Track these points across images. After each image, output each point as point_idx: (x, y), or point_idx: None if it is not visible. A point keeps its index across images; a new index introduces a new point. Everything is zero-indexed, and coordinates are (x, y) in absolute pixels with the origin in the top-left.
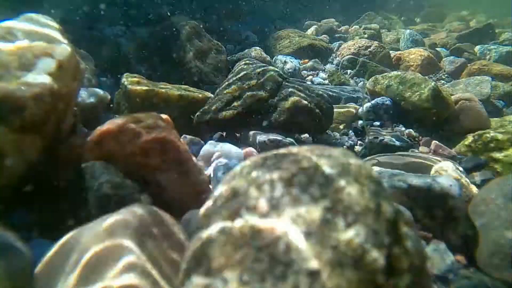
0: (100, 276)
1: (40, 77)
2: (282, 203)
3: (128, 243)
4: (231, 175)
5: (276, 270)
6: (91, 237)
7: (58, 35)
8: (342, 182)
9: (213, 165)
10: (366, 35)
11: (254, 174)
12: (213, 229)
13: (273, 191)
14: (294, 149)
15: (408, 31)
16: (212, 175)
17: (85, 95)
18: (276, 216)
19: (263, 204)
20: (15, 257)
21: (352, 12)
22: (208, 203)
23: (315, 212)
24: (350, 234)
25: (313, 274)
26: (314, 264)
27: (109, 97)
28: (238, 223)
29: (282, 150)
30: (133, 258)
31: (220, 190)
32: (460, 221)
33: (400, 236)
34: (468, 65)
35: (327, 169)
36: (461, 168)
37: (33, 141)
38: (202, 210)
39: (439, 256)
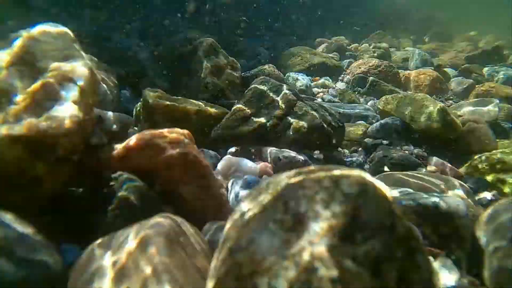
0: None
1: (67, 109)
2: (306, 218)
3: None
4: (257, 190)
5: (301, 277)
6: (125, 243)
7: (75, 49)
8: (360, 201)
9: (231, 179)
10: (375, 54)
11: (278, 188)
12: (243, 240)
13: (298, 207)
14: (316, 169)
15: (417, 51)
16: (230, 189)
17: (109, 122)
18: (300, 229)
19: (288, 219)
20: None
21: (362, 30)
22: (235, 217)
23: (337, 227)
24: (367, 247)
25: (335, 282)
26: (334, 272)
27: (132, 121)
28: (265, 237)
29: (304, 169)
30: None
31: (247, 205)
32: (466, 239)
33: (411, 251)
34: (476, 86)
35: (346, 188)
36: (468, 188)
37: (66, 166)
38: (229, 223)
39: (446, 273)
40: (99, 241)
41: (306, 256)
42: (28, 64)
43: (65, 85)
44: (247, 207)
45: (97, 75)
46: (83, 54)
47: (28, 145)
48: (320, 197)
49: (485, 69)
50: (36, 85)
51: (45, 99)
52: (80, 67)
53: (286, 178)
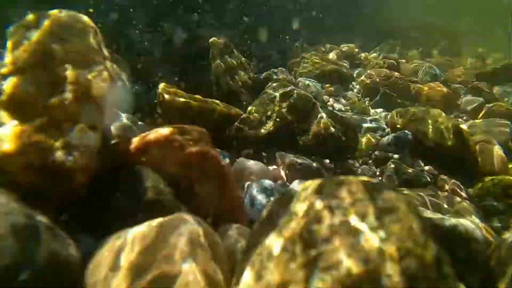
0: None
1: (86, 138)
2: (340, 230)
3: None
4: (287, 197)
5: None
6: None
7: (96, 51)
8: (393, 216)
9: (247, 183)
10: (386, 65)
11: (313, 200)
12: (270, 246)
13: (333, 218)
14: (350, 179)
15: (427, 64)
16: (245, 192)
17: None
18: (336, 242)
19: (324, 230)
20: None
21: (370, 38)
22: (262, 224)
23: (373, 242)
24: (403, 265)
25: None
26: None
27: (132, 126)
28: (298, 247)
29: (336, 179)
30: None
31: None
32: (481, 265)
33: (443, 274)
34: (487, 105)
35: (380, 201)
36: (481, 213)
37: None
38: (256, 227)
39: None
40: (117, 234)
41: (343, 270)
42: (46, 68)
43: (84, 105)
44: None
45: (116, 79)
46: (105, 54)
47: (41, 171)
48: (355, 209)
49: (496, 88)
50: (54, 101)
51: (63, 120)
52: (100, 82)
53: (318, 187)
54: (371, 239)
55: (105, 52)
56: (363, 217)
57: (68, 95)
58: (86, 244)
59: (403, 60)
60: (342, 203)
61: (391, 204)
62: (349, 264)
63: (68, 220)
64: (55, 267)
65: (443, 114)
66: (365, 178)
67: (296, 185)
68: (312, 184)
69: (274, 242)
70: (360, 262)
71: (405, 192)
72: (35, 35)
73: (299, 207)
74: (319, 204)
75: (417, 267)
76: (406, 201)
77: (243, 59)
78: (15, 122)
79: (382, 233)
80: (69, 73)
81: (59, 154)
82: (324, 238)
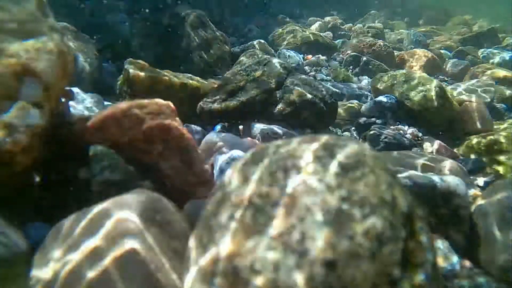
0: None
1: (26, 115)
2: (298, 191)
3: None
4: (242, 162)
5: (289, 261)
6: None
7: (40, 19)
8: (358, 173)
9: (216, 155)
10: (370, 34)
11: (266, 161)
12: (223, 217)
13: (287, 178)
14: (307, 137)
15: (412, 31)
16: (215, 165)
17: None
18: (291, 204)
19: (276, 192)
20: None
21: (353, 9)
22: (217, 190)
23: (331, 202)
24: (367, 225)
25: (329, 265)
26: (329, 254)
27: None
28: (249, 211)
29: (295, 138)
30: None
31: (231, 177)
32: (464, 220)
33: (415, 231)
34: (472, 68)
35: (343, 158)
36: (464, 170)
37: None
38: (214, 197)
39: (443, 255)
40: (71, 217)
41: (296, 235)
42: None
43: (25, 80)
44: (231, 179)
45: (70, 53)
46: (52, 23)
47: None
48: (314, 168)
49: (481, 51)
50: None
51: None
52: (45, 54)
53: (274, 146)
54: (331, 199)
55: (52, 22)
56: (322, 176)
57: (5, 69)
58: (42, 230)
59: (388, 30)
60: (298, 163)
61: (354, 160)
62: (305, 227)
63: (23, 207)
64: None
65: (425, 75)
66: (327, 136)
67: None
68: (270, 146)
69: (224, 211)
70: (316, 225)
71: (385, 153)
72: None
73: (254, 170)
74: (275, 165)
75: (383, 225)
76: (371, 156)
77: (219, 32)
78: None
79: (343, 192)
80: (5, 44)
81: None
82: (275, 202)
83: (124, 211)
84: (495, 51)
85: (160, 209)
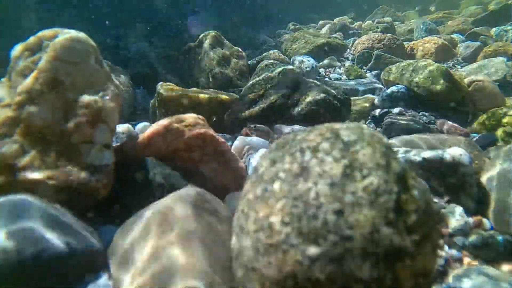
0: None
1: (104, 157)
2: (312, 164)
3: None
4: (269, 150)
5: (310, 212)
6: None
7: (100, 71)
8: (357, 146)
9: (247, 156)
10: (379, 29)
11: (287, 147)
12: (259, 191)
13: (303, 157)
14: (320, 126)
15: (421, 20)
16: (247, 164)
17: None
18: (308, 174)
19: (295, 167)
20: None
21: (362, 6)
22: (251, 175)
23: (337, 169)
24: (365, 183)
25: (338, 213)
26: (337, 205)
27: (137, 135)
28: (277, 183)
29: (309, 128)
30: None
31: (261, 162)
32: (472, 186)
33: (407, 186)
34: (484, 48)
35: (345, 137)
36: (473, 142)
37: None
38: (250, 180)
39: (455, 217)
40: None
41: (312, 194)
42: (57, 93)
43: (98, 126)
44: (262, 163)
45: (120, 96)
46: (107, 72)
47: (69, 192)
48: (323, 146)
49: (493, 29)
50: (71, 126)
51: (81, 143)
52: (108, 103)
53: (292, 135)
54: (336, 167)
55: (107, 69)
56: (329, 151)
57: (82, 119)
58: (111, 232)
59: (399, 22)
60: (311, 144)
61: (354, 138)
62: (318, 188)
63: (94, 216)
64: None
65: (431, 61)
66: (334, 123)
67: None
68: (290, 136)
69: (259, 187)
70: (327, 186)
71: (398, 136)
72: (42, 62)
73: (278, 154)
74: (293, 148)
75: (379, 182)
76: (368, 133)
77: (235, 47)
78: (37, 149)
79: (345, 161)
80: (80, 97)
81: (83, 176)
82: (296, 174)
83: (180, 203)
84: (509, 27)
85: (208, 200)
